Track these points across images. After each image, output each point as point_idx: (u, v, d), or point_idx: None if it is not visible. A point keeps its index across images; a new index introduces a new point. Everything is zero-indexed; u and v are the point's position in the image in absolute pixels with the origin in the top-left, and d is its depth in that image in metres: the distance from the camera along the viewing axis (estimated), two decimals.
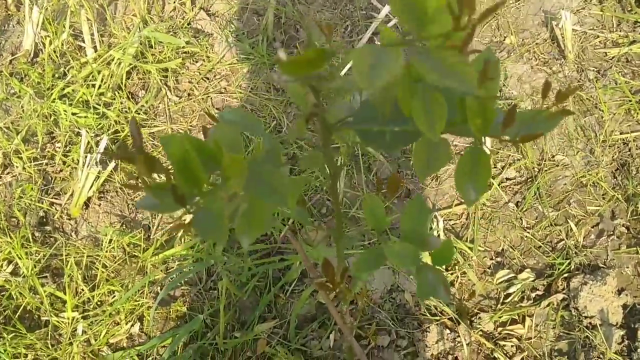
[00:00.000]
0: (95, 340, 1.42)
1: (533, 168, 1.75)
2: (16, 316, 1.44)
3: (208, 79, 1.90)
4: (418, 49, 0.39)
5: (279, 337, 1.43)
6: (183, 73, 1.90)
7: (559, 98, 0.47)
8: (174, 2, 2.03)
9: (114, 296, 1.49)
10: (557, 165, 1.75)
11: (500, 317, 1.47)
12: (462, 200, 1.68)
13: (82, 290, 1.48)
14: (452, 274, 1.54)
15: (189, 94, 1.87)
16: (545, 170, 1.74)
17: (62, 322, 1.44)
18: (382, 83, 0.35)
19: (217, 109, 1.83)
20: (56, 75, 1.83)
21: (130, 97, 1.83)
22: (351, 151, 1.64)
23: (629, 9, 2.06)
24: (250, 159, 0.56)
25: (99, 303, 1.48)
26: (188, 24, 2.00)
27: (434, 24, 0.39)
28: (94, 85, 1.80)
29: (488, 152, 0.49)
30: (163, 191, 0.43)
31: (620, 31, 2.02)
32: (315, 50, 0.40)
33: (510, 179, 1.75)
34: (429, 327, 1.46)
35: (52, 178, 1.68)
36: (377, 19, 2.01)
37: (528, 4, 2.12)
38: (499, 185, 1.71)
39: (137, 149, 0.43)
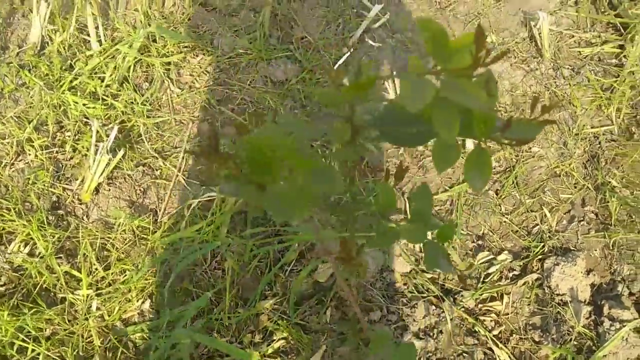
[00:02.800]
0: (109, 316, 1.54)
1: (512, 159, 1.90)
2: (35, 293, 1.54)
3: (208, 72, 2.00)
4: (445, 78, 0.51)
5: (279, 313, 1.56)
6: (184, 66, 2.00)
7: (544, 110, 0.61)
8: None
9: (126, 275, 1.60)
10: (534, 157, 1.90)
11: (480, 295, 1.62)
12: (447, 188, 1.83)
13: (96, 269, 1.59)
14: None
15: (190, 87, 1.97)
16: (523, 161, 1.89)
17: (78, 299, 1.55)
18: (421, 106, 0.48)
19: (217, 100, 1.94)
20: (64, 68, 1.92)
21: (135, 89, 1.93)
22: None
23: (603, 10, 2.21)
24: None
25: (111, 281, 1.60)
26: (188, 19, 2.10)
27: (456, 59, 0.51)
28: (100, 78, 1.89)
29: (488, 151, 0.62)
30: (239, 181, 0.55)
31: (594, 31, 2.17)
32: (367, 79, 0.53)
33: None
34: (416, 303, 1.60)
35: (62, 165, 1.78)
36: (368, 18, 2.13)
37: (508, 4, 2.26)
38: None
39: (214, 149, 0.55)
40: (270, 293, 1.60)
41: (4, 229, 1.63)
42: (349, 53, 2.04)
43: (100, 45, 1.97)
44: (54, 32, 1.97)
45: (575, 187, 1.84)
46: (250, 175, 0.54)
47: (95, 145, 1.72)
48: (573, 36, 2.16)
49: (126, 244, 1.66)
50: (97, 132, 1.76)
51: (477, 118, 0.55)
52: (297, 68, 2.02)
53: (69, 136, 1.81)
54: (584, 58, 2.10)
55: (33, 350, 1.45)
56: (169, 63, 1.98)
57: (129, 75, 1.92)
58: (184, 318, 1.52)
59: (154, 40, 2.00)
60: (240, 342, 1.52)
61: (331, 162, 0.73)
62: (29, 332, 1.47)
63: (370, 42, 2.10)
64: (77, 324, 1.51)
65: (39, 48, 1.96)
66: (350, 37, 2.10)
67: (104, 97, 1.87)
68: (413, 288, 1.63)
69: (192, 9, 2.11)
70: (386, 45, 2.10)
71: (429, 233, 0.81)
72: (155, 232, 1.67)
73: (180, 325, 1.52)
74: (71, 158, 1.79)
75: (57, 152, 1.79)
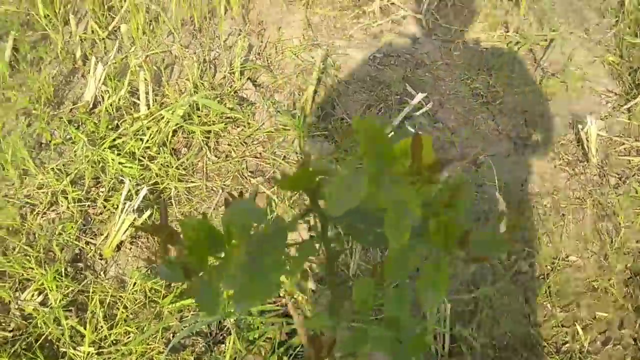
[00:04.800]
0: None
1: (546, 265, 1.79)
2: (37, 344, 1.54)
3: (246, 143, 2.04)
4: (383, 181, 0.49)
5: None
6: (224, 136, 2.05)
7: (509, 228, 0.56)
8: (225, 71, 2.21)
9: (129, 337, 1.58)
10: (571, 266, 1.79)
11: None
12: (472, 287, 1.73)
13: (102, 327, 1.58)
14: None
15: (226, 156, 2.01)
16: (558, 270, 1.77)
17: (78, 355, 1.54)
18: (344, 209, 0.45)
19: (250, 172, 1.96)
20: (110, 127, 2.00)
21: (173, 153, 1.99)
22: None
23: None
24: (253, 240, 0.66)
25: (114, 341, 1.58)
26: (235, 92, 2.17)
27: (397, 164, 0.48)
28: (142, 139, 1.96)
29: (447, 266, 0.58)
30: (176, 265, 0.53)
31: None
32: (307, 170, 0.51)
33: (522, 273, 1.79)
34: None
35: (91, 219, 1.82)
36: (410, 104, 2.13)
37: (557, 103, 2.21)
38: (510, 278, 1.75)
39: (162, 225, 0.54)
40: None
41: (22, 275, 1.67)
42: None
43: (148, 109, 2.05)
44: (106, 92, 2.08)
45: (614, 306, 1.70)
46: (186, 258, 0.52)
47: (124, 203, 1.76)
48: (623, 144, 2.07)
49: (136, 304, 1.65)
50: (129, 190, 1.80)
51: (433, 228, 0.51)
52: (332, 147, 2.02)
53: (102, 192, 1.86)
54: (633, 167, 2.00)
55: None
56: (209, 132, 2.04)
57: (168, 139, 1.98)
58: None
59: (198, 109, 2.07)
60: None
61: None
62: None
63: (410, 128, 2.09)
64: None
65: (90, 106, 2.07)
66: (391, 123, 2.10)
67: (141, 158, 1.93)
68: None
69: (240, 82, 2.19)
70: (425, 134, 2.08)
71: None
72: (166, 296, 1.65)
73: None
74: (100, 213, 1.84)
75: (88, 206, 1.84)
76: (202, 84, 2.16)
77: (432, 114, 2.16)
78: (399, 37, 2.46)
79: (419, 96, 2.13)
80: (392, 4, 2.58)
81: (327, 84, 2.24)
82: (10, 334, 1.58)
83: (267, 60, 2.34)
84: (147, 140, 1.96)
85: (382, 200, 0.47)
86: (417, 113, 2.14)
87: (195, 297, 0.56)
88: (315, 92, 2.18)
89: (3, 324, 1.60)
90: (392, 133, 2.06)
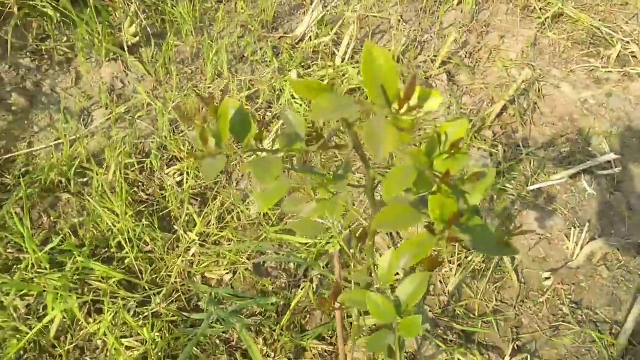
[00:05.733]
0: None
1: None
2: (159, 213, 1.74)
3: None
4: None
5: None
6: None
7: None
8: (428, 55, 2.20)
9: (229, 244, 1.71)
10: None
11: None
12: None
13: (212, 224, 1.73)
14: None
15: None
16: None
17: (185, 238, 1.71)
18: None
19: None
20: (301, 64, 2.13)
21: None
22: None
23: None
24: None
25: (216, 241, 1.72)
26: (426, 78, 2.16)
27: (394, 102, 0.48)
28: None
29: None
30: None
31: None
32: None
33: None
34: None
35: None
36: (596, 159, 1.92)
37: None
38: None
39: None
40: None
41: (174, 153, 1.88)
42: (548, 183, 1.87)
43: (342, 62, 2.13)
44: (314, 33, 2.21)
45: None
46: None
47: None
48: None
49: (247, 220, 1.77)
50: None
51: (432, 202, 0.48)
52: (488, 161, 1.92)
53: (268, 116, 2.00)
54: None
55: None
56: None
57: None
58: None
59: None
60: None
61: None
62: None
63: (585, 184, 1.89)
64: None
65: (297, 40, 2.22)
66: (565, 167, 1.92)
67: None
68: None
69: (436, 70, 2.16)
70: (602, 197, 1.87)
71: None
72: (273, 225, 1.74)
73: None
74: None
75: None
76: (402, 59, 2.18)
77: (616, 177, 1.92)
78: (623, 91, 2.21)
79: (610, 156, 1.90)
80: (634, 56, 2.31)
81: (521, 106, 2.11)
82: (146, 196, 1.80)
83: (474, 62, 2.27)
84: None
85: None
86: (600, 172, 1.92)
87: (254, 168, 0.61)
88: (504, 108, 2.07)
89: (145, 186, 1.83)
90: (562, 179, 1.89)
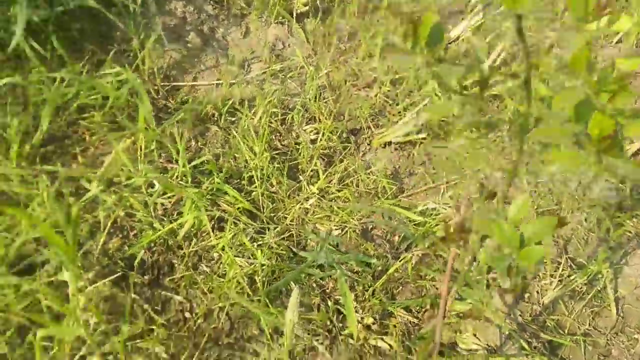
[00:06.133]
0: None
1: None
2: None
3: None
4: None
5: None
6: None
7: None
8: None
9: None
10: None
11: None
12: None
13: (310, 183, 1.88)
14: None
15: None
16: None
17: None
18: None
19: None
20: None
21: None
22: None
23: None
24: None
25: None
26: None
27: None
28: None
29: None
30: None
31: None
32: None
33: None
34: None
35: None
36: None
37: None
38: None
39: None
40: None
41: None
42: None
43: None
44: (466, 37, 2.29)
45: None
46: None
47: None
48: None
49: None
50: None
51: (595, 120, 0.56)
52: None
53: None
54: None
55: None
56: None
57: None
58: None
59: None
60: None
61: None
62: None
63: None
64: None
65: (449, 41, 2.31)
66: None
67: None
68: None
69: None
70: None
71: None
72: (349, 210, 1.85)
73: None
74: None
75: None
76: None
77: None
78: None
79: None
80: None
81: None
82: (281, 146, 1.98)
83: None
84: None
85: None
86: None
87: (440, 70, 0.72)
88: None
89: (283, 136, 2.01)
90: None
